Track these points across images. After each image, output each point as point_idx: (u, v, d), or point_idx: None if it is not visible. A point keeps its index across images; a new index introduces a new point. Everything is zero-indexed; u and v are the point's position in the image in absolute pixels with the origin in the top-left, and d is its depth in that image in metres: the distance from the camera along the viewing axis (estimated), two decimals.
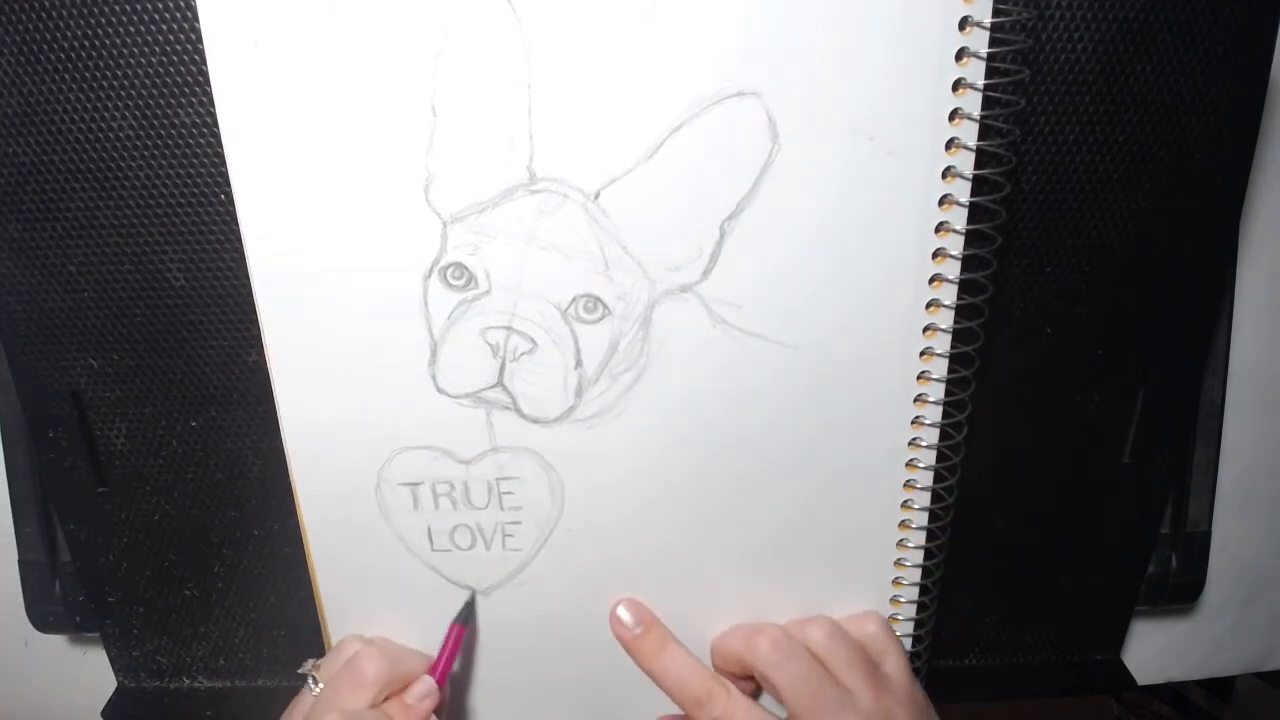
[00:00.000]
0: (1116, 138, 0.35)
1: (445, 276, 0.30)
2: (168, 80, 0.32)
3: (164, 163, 0.33)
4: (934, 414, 0.33)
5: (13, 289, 0.35)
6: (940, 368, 0.33)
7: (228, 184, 0.29)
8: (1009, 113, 0.30)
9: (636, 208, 0.30)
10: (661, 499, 0.34)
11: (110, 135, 0.33)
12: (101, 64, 0.32)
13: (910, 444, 0.34)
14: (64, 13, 0.31)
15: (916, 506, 0.35)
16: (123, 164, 0.33)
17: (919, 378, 0.33)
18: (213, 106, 0.28)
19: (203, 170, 0.33)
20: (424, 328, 0.31)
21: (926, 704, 0.35)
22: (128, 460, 0.38)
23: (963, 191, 0.30)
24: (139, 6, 0.31)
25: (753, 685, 0.35)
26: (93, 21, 0.31)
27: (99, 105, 0.32)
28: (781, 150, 0.29)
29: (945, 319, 0.32)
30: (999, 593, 0.42)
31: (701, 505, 0.34)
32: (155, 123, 0.32)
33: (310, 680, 0.33)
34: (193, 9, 0.31)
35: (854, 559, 0.35)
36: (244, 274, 0.31)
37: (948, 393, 0.33)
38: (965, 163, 0.30)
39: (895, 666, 0.34)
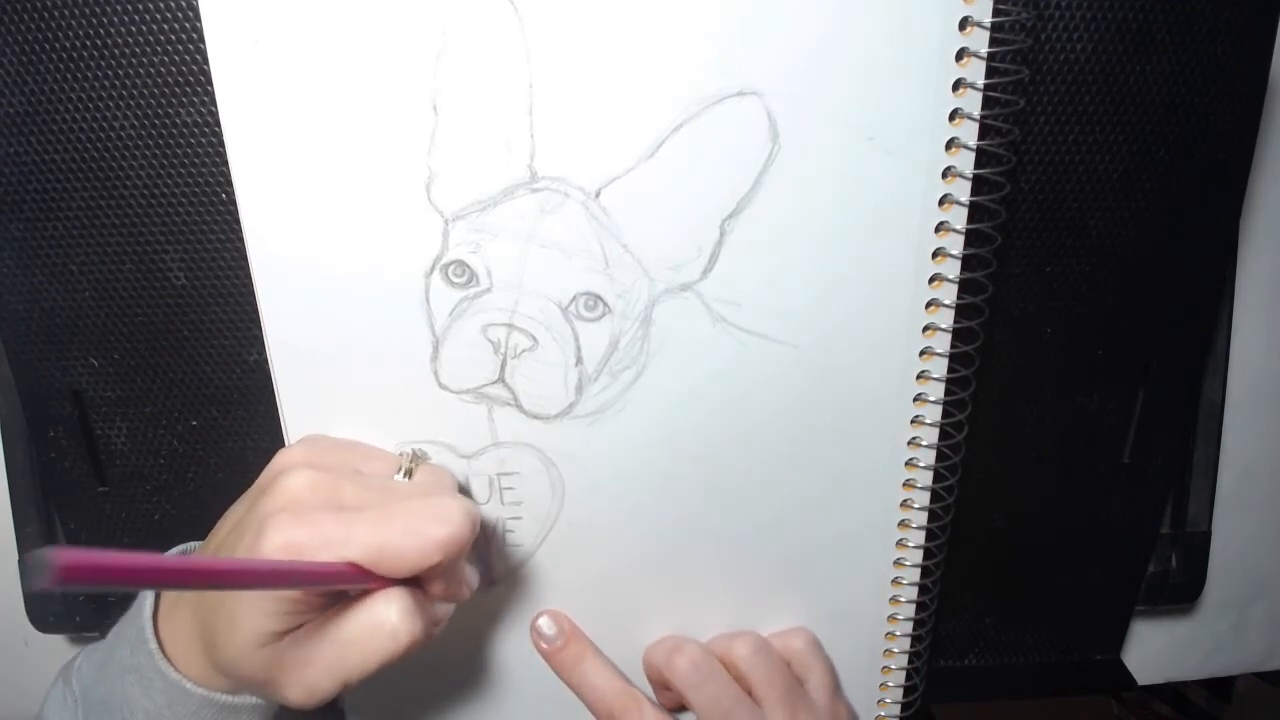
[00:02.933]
0: (1116, 138, 0.35)
1: (447, 274, 0.30)
2: (169, 80, 0.32)
3: (166, 162, 0.33)
4: (934, 414, 0.33)
5: (14, 288, 0.35)
6: (940, 368, 0.33)
7: (229, 183, 0.30)
8: (1009, 112, 0.30)
9: (637, 206, 0.30)
10: (661, 496, 0.34)
11: (112, 135, 0.33)
12: (103, 63, 0.32)
13: (910, 444, 0.34)
14: (66, 13, 0.31)
15: (916, 506, 0.35)
16: (124, 163, 0.33)
17: (919, 377, 0.33)
18: (214, 106, 0.28)
19: (204, 169, 0.33)
20: (426, 324, 0.31)
21: None
22: (128, 460, 0.38)
23: (963, 191, 0.30)
24: (140, 6, 0.31)
25: (678, 696, 0.35)
26: (94, 21, 0.31)
27: (101, 105, 0.32)
28: (781, 150, 0.29)
29: (945, 319, 0.32)
30: (999, 593, 0.42)
31: (701, 503, 0.34)
32: (157, 122, 0.33)
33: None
34: (194, 8, 0.31)
35: (854, 559, 0.35)
36: (246, 273, 0.31)
37: (948, 393, 0.33)
38: (965, 162, 0.30)
39: (819, 685, 0.35)
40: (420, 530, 0.25)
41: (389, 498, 0.27)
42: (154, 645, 0.28)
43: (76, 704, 0.29)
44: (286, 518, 0.25)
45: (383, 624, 0.25)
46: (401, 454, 0.31)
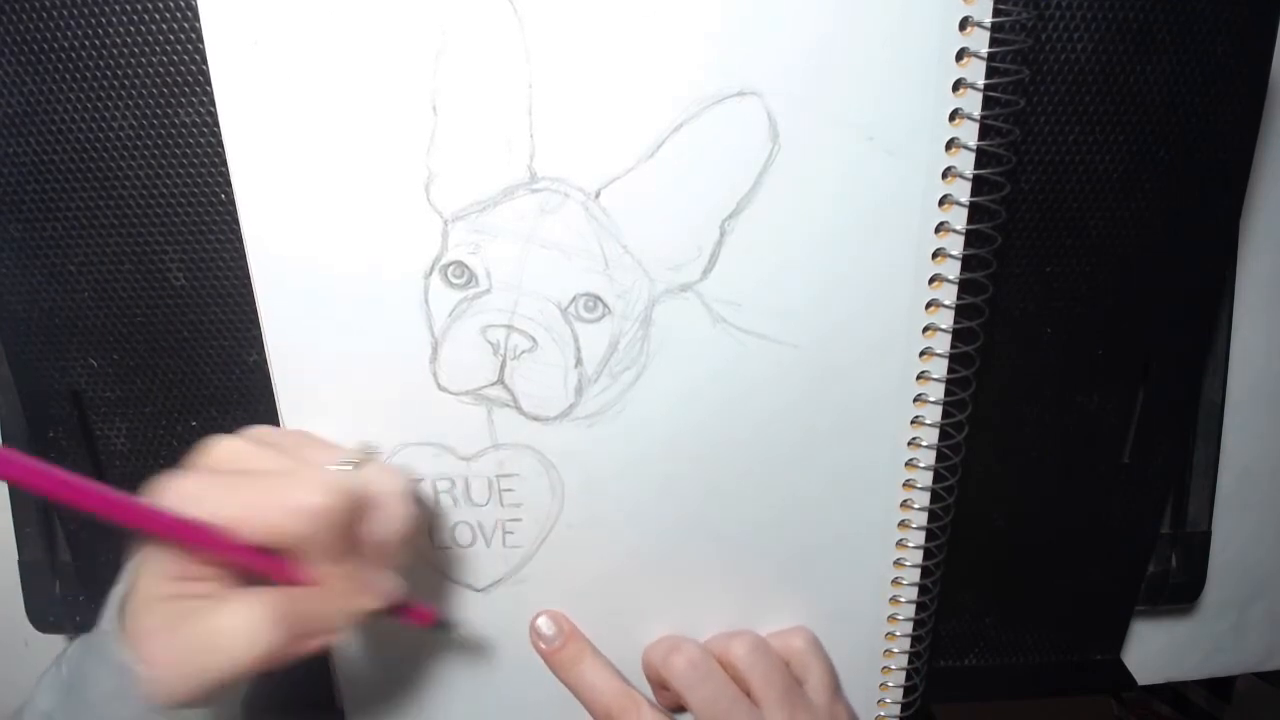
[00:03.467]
0: (1116, 138, 0.35)
1: (446, 275, 0.30)
2: (168, 80, 0.32)
3: (165, 162, 0.33)
4: (934, 414, 0.33)
5: (13, 289, 0.35)
6: (940, 368, 0.33)
7: (228, 183, 0.29)
8: (1009, 113, 0.30)
9: (637, 207, 0.30)
10: (661, 497, 0.34)
11: (111, 135, 0.33)
12: (102, 63, 0.32)
13: (910, 444, 0.34)
14: (65, 12, 0.31)
15: (916, 506, 0.35)
16: (123, 164, 0.33)
17: (919, 378, 0.33)
18: (213, 106, 0.28)
19: (203, 170, 0.33)
20: (425, 325, 0.31)
21: None
22: (128, 460, 0.38)
23: (963, 191, 0.30)
24: (139, 6, 0.31)
25: (676, 696, 0.35)
26: (93, 21, 0.31)
27: (100, 105, 0.32)
28: (781, 150, 0.29)
29: (945, 319, 0.32)
30: (999, 593, 0.42)
31: (701, 504, 0.34)
32: (156, 122, 0.33)
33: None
34: (193, 8, 0.31)
35: (854, 559, 0.35)
36: (245, 273, 0.31)
37: (948, 393, 0.33)
38: (965, 163, 0.30)
39: (818, 684, 0.35)
40: (289, 494, 0.24)
41: (292, 469, 0.26)
42: (112, 625, 0.27)
43: (65, 687, 0.29)
44: (185, 470, 0.25)
45: (238, 629, 0.24)
46: (352, 450, 0.30)
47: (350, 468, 0.28)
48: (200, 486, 0.25)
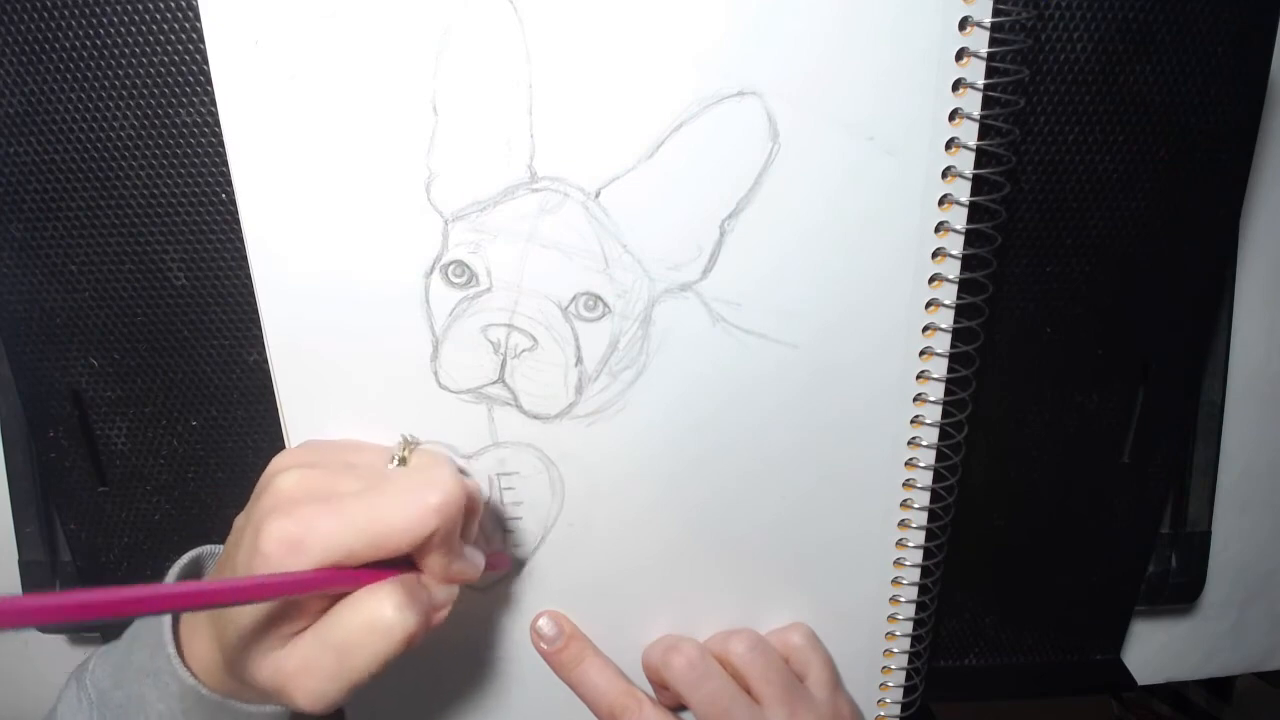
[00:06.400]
0: (1116, 138, 0.35)
1: (447, 274, 0.30)
2: (169, 80, 0.32)
3: (165, 162, 0.33)
4: (934, 414, 0.33)
5: (14, 289, 0.35)
6: (940, 367, 0.33)
7: (229, 183, 0.30)
8: (1009, 112, 0.30)
9: (637, 206, 0.30)
10: (661, 496, 0.34)
11: (112, 135, 0.33)
12: (103, 64, 0.32)
13: (910, 444, 0.34)
14: (65, 13, 0.31)
15: (916, 506, 0.35)
16: (124, 164, 0.33)
17: (919, 377, 0.33)
18: (214, 106, 0.28)
19: (204, 170, 0.33)
20: (425, 325, 0.31)
21: (853, 715, 0.36)
22: (128, 460, 0.38)
23: (963, 191, 0.30)
24: (140, 6, 0.31)
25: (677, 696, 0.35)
26: (94, 22, 0.31)
27: (101, 105, 0.32)
28: (781, 150, 0.29)
29: (945, 319, 0.32)
30: (999, 593, 0.42)
31: (700, 503, 0.34)
32: (157, 122, 0.33)
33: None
34: (194, 9, 0.31)
35: (854, 559, 0.35)
36: (245, 273, 0.31)
37: (948, 393, 0.33)
38: (965, 162, 0.30)
39: (818, 679, 0.35)
40: (411, 500, 0.25)
41: (380, 482, 0.27)
42: (172, 650, 0.28)
43: (92, 706, 0.29)
44: (278, 516, 0.25)
45: (376, 622, 0.25)
46: (396, 443, 0.31)
47: (400, 464, 0.29)
48: (313, 526, 0.25)
